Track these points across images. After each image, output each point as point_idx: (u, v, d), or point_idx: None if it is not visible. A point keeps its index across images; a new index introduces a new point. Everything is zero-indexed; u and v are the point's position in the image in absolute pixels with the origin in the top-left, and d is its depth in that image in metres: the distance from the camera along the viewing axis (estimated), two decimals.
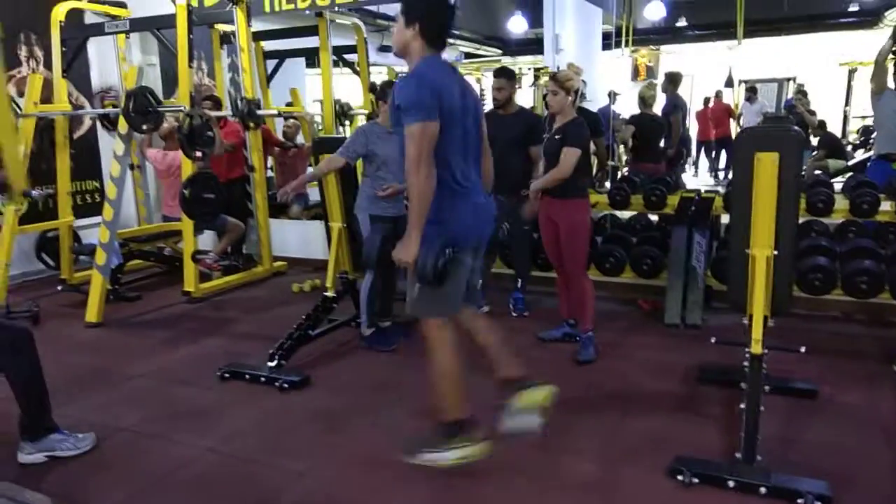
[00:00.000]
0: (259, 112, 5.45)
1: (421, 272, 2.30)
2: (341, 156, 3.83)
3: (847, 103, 11.90)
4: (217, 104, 6.02)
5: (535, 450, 2.78)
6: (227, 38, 6.41)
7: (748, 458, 2.54)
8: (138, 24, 5.67)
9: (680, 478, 2.53)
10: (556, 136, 3.71)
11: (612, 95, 10.20)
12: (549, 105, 3.75)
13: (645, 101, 6.15)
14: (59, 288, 5.59)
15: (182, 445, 2.99)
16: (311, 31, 6.08)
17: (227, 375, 3.72)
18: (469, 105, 2.39)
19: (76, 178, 6.09)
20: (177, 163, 5.49)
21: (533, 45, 15.50)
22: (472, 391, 2.57)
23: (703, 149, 13.01)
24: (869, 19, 13.68)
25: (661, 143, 6.18)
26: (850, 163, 8.85)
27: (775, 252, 2.79)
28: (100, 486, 2.71)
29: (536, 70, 11.34)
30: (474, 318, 2.67)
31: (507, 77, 4.43)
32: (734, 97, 14.18)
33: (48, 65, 5.82)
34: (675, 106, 6.79)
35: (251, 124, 5.45)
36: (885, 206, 4.26)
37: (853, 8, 13.72)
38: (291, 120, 6.88)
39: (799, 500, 2.35)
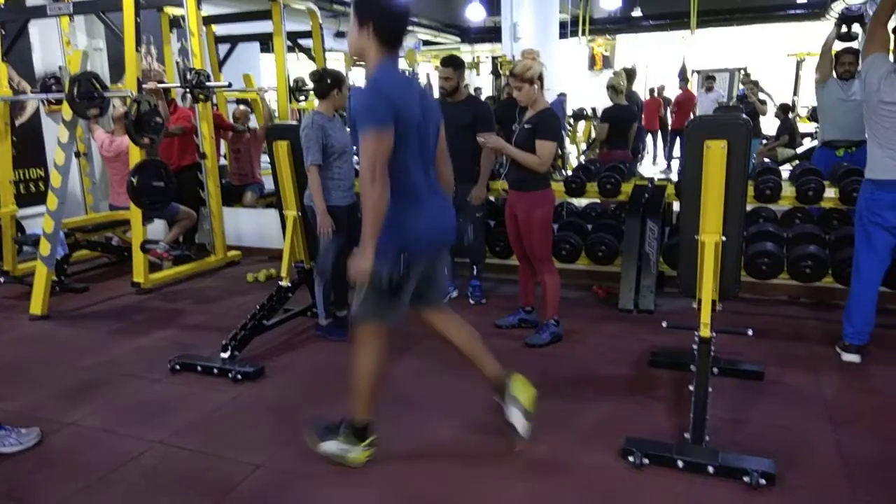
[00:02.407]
0: (209, 84, 5.34)
1: (377, 284, 2.30)
2: (316, 163, 3.77)
3: (795, 93, 12.22)
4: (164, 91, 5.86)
5: (490, 434, 2.80)
6: (176, 22, 6.24)
7: (697, 438, 2.60)
8: (82, 7, 5.47)
9: (631, 458, 2.58)
10: (527, 126, 3.70)
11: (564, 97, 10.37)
12: (518, 101, 3.74)
13: (616, 90, 6.31)
14: (2, 280, 5.40)
15: (130, 439, 2.92)
16: (265, 15, 5.98)
17: (178, 367, 3.64)
18: (429, 113, 2.38)
19: (19, 165, 5.88)
20: (124, 148, 5.33)
21: (491, 34, 15.54)
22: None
23: (648, 137, 13.24)
24: (816, 11, 14.08)
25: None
26: (799, 150, 9.10)
27: (724, 238, 2.85)
28: (45, 482, 2.63)
29: (495, 59, 11.37)
30: (448, 317, 2.66)
31: (453, 66, 4.41)
32: (687, 87, 14.41)
33: None
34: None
35: (201, 96, 5.35)
36: (830, 192, 4.39)
37: (801, 0, 14.09)
38: (242, 106, 6.76)
39: (745, 478, 2.42)
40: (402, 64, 11.93)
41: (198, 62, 5.36)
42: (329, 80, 3.91)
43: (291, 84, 6.37)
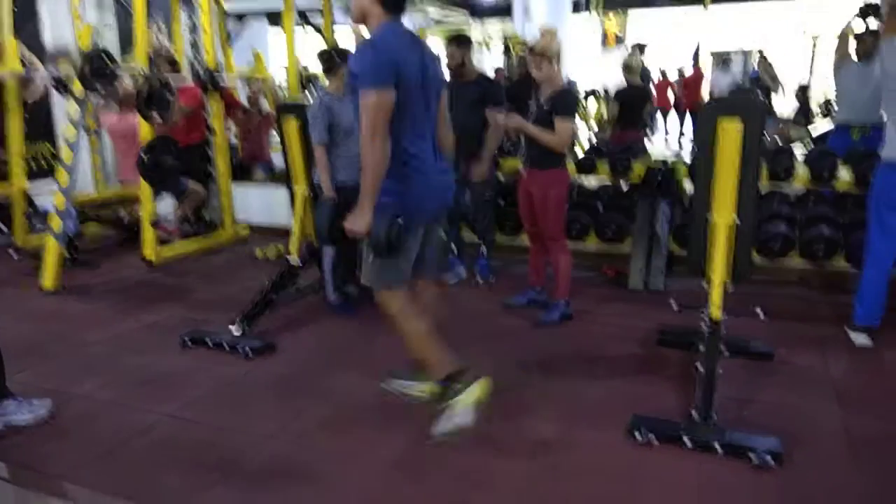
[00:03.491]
0: (221, 83, 5.34)
1: (374, 242, 2.31)
2: (322, 143, 3.78)
3: (810, 72, 12.06)
4: (174, 66, 5.84)
5: (497, 414, 2.80)
6: None
7: (704, 417, 2.60)
8: None
9: (638, 436, 2.58)
10: (545, 105, 3.67)
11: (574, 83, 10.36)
12: (536, 78, 3.70)
13: (631, 69, 6.24)
14: (16, 257, 5.43)
15: (141, 412, 2.95)
16: None
17: (188, 342, 3.66)
18: (430, 74, 2.35)
19: (29, 141, 5.88)
20: (133, 127, 5.32)
21: (502, 10, 15.35)
22: None
23: (658, 115, 13.10)
24: None
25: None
26: (815, 135, 8.99)
27: (737, 220, 2.83)
28: (57, 452, 2.66)
29: (506, 39, 11.27)
30: (424, 293, 2.67)
31: (456, 44, 4.36)
32: (699, 66, 14.23)
33: None
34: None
35: (211, 88, 5.34)
36: (845, 175, 4.34)
37: None
38: (259, 84, 6.75)
39: (751, 456, 2.42)
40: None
41: (207, 38, 5.34)
42: (338, 57, 3.89)
43: (303, 80, 6.33)
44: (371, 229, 2.29)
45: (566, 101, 3.67)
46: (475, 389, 2.51)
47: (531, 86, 4.05)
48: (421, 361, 2.61)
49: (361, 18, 2.31)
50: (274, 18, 8.03)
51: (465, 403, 2.49)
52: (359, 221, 2.30)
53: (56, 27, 6.43)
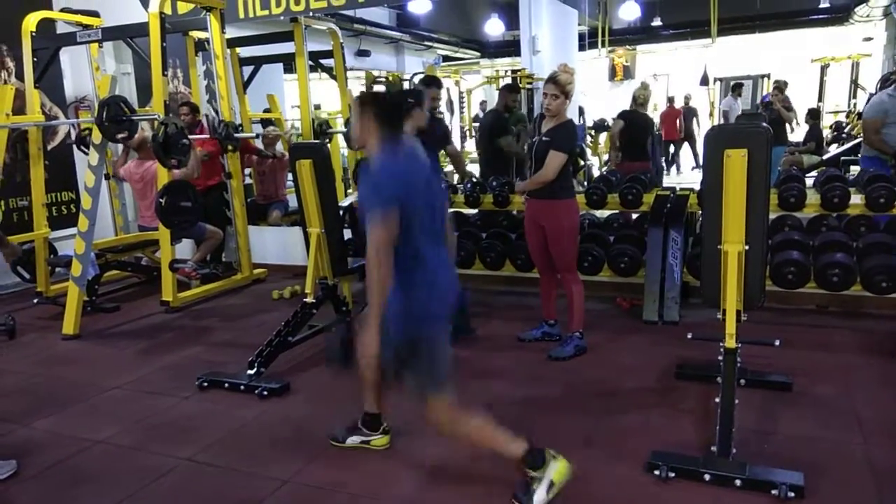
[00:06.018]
0: (237, 135, 5.47)
1: (384, 363, 2.35)
2: None
3: (820, 99, 12.06)
4: (194, 110, 5.99)
5: None
6: (202, 45, 6.38)
7: (723, 451, 2.57)
8: (111, 34, 5.64)
9: (657, 472, 2.55)
10: (545, 139, 3.73)
11: (581, 111, 10.39)
12: (547, 108, 3.72)
13: (637, 100, 6.24)
14: (36, 300, 5.53)
15: (160, 456, 2.97)
16: (287, 36, 6.08)
17: (205, 384, 3.69)
18: (433, 182, 2.47)
19: (51, 189, 6.04)
20: (151, 173, 5.44)
21: (510, 47, 15.59)
22: None
23: (668, 147, 13.12)
24: (839, 16, 13.90)
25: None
26: (825, 157, 8.96)
27: (746, 247, 2.83)
28: (76, 498, 2.68)
29: (514, 72, 11.41)
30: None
31: (437, 86, 4.56)
32: (709, 95, 14.33)
33: (20, 75, 5.77)
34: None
35: (230, 147, 5.48)
36: (857, 199, 4.32)
37: (824, 5, 13.92)
38: (270, 128, 6.87)
39: (773, 492, 2.39)
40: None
41: (223, 84, 5.48)
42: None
43: (316, 127, 6.41)
44: (381, 347, 2.31)
45: (562, 134, 3.71)
46: (555, 469, 2.42)
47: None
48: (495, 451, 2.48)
49: (363, 141, 2.42)
50: (289, 66, 8.20)
51: (547, 480, 2.40)
52: (367, 342, 2.31)
53: (76, 77, 6.63)
